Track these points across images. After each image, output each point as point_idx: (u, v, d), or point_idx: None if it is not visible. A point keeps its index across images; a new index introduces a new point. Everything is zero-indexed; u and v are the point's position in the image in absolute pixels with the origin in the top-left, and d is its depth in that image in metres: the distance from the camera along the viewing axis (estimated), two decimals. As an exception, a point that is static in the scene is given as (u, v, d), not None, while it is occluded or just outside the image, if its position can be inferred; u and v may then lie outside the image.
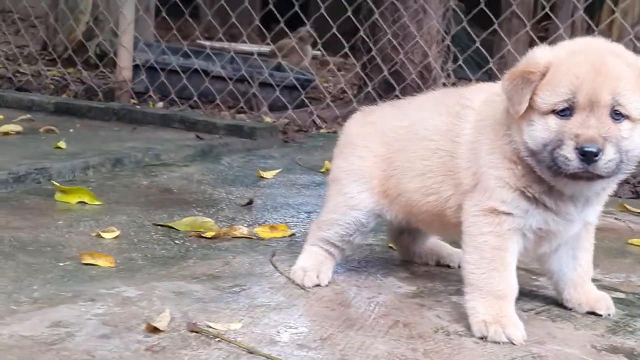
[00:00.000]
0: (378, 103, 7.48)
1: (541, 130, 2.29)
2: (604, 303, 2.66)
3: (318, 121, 7.06)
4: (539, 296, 2.81)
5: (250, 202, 4.00)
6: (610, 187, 2.50)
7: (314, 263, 2.79)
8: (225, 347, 2.16)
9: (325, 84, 8.79)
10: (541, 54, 2.37)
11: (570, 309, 2.68)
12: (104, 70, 7.98)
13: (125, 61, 7.20)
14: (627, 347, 2.39)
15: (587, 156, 2.19)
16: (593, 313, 2.65)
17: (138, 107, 6.64)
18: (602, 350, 2.35)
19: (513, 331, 2.35)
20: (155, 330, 2.22)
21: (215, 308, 2.46)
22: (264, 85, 7.48)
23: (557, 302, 2.72)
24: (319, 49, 7.90)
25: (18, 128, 5.66)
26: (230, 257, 3.05)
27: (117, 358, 2.05)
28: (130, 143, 5.35)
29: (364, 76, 7.20)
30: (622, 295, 2.90)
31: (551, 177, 2.34)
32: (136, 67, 7.37)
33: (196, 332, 2.24)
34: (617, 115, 2.25)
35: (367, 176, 2.76)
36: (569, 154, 2.22)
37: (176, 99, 7.28)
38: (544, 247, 2.57)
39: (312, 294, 2.67)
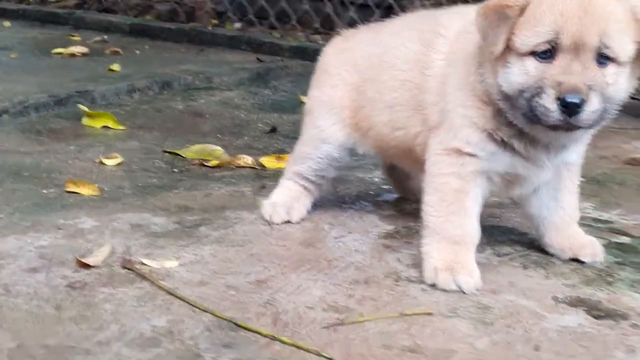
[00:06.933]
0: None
1: (518, 75, 2.04)
2: (590, 249, 2.42)
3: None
4: (525, 240, 2.60)
5: (273, 130, 3.91)
6: (591, 131, 2.24)
7: (286, 199, 2.69)
8: (147, 287, 2.11)
9: None
10: None
11: (552, 255, 2.46)
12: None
13: (204, -18, 7.17)
14: (594, 300, 2.16)
15: (570, 107, 1.95)
16: (577, 260, 2.42)
17: (209, 28, 6.62)
18: (562, 303, 2.14)
19: (464, 279, 2.18)
20: (86, 266, 2.21)
21: (164, 243, 2.41)
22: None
23: (540, 247, 2.51)
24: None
25: (84, 50, 5.78)
26: (217, 188, 2.99)
27: (32, 294, 2.03)
28: (187, 65, 5.34)
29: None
30: (627, 240, 2.63)
31: (526, 125, 2.11)
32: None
33: (128, 269, 2.21)
34: (602, 58, 1.99)
35: (338, 107, 2.60)
36: (549, 104, 1.97)
37: (254, 20, 7.20)
38: (515, 191, 2.36)
39: (277, 231, 2.57)
